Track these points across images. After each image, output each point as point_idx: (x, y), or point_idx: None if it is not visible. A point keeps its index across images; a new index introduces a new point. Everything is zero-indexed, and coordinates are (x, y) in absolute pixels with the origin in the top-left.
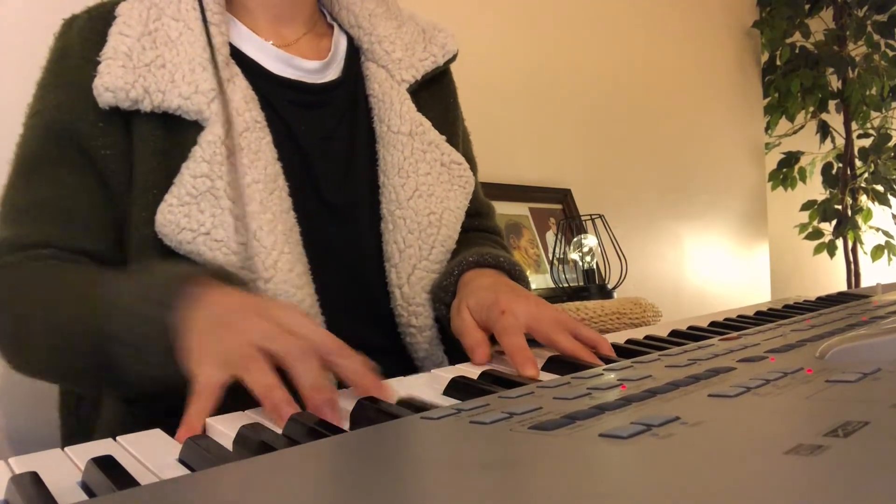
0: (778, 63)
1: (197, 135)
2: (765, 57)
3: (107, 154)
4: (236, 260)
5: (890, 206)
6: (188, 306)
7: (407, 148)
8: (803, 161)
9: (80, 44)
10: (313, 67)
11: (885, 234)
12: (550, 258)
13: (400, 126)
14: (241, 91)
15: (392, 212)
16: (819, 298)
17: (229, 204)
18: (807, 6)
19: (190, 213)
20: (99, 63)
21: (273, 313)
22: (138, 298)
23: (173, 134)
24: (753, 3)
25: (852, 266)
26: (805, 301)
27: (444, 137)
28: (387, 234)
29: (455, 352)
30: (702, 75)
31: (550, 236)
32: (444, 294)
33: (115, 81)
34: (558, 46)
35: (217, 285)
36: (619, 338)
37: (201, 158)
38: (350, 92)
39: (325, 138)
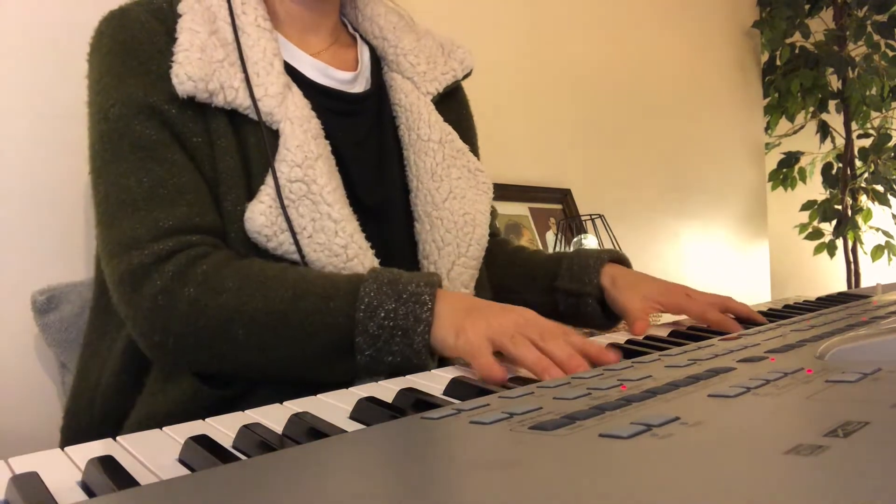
0: (778, 63)
1: (256, 135)
2: (765, 57)
3: (197, 142)
4: (338, 262)
5: (890, 206)
6: (436, 302)
7: (438, 154)
8: (803, 161)
9: (148, 37)
10: (347, 78)
11: (885, 234)
12: None
13: (430, 134)
14: (299, 97)
15: (429, 213)
16: (819, 298)
17: (327, 208)
18: (807, 6)
19: (290, 215)
20: (172, 55)
21: (508, 309)
22: (394, 297)
23: (239, 132)
24: (753, 3)
25: (852, 266)
26: (805, 301)
27: (467, 147)
28: (424, 233)
29: None
30: (702, 75)
31: (550, 236)
32: (586, 278)
33: (196, 71)
34: (558, 46)
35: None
36: (620, 338)
37: (293, 162)
38: (377, 102)
39: (357, 144)
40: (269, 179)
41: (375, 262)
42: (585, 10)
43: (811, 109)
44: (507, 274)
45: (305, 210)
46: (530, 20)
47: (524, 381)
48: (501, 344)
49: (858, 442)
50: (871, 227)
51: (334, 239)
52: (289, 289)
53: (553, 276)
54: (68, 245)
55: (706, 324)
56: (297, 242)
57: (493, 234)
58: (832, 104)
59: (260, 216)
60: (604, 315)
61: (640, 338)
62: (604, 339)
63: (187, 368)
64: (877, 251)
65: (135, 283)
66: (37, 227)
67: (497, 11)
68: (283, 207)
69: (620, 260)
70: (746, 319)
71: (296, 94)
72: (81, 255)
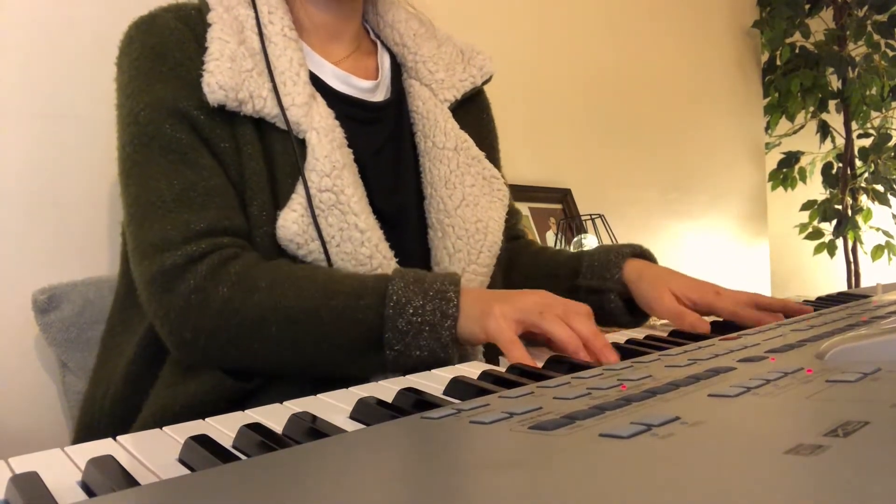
0: (778, 63)
1: (282, 143)
2: (765, 57)
3: (225, 147)
4: (363, 270)
5: (890, 206)
6: (461, 298)
7: (452, 162)
8: (803, 161)
9: (177, 43)
10: (368, 87)
11: (885, 234)
12: None
13: (445, 142)
14: (324, 107)
15: (441, 220)
16: (819, 298)
17: (354, 218)
18: (807, 6)
19: (320, 224)
20: (202, 63)
21: (528, 291)
22: (421, 294)
23: (265, 139)
24: (753, 3)
25: (852, 266)
26: (805, 301)
27: (483, 154)
28: (436, 240)
29: (489, 351)
30: (702, 75)
31: (550, 236)
32: (607, 273)
33: (226, 81)
34: (558, 46)
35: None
36: (620, 338)
37: (322, 172)
38: (396, 109)
39: (376, 153)
40: (300, 188)
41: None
42: (586, 11)
43: (811, 109)
44: (529, 274)
45: (334, 220)
46: (531, 21)
47: (518, 383)
48: (531, 322)
49: (858, 442)
50: (871, 227)
51: (360, 248)
52: (319, 288)
53: (575, 273)
54: (69, 244)
55: (739, 322)
56: (326, 251)
57: (518, 236)
58: (832, 104)
59: (293, 224)
60: (628, 312)
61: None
62: (611, 337)
63: (215, 366)
64: (877, 251)
65: (167, 284)
66: (37, 226)
67: (498, 12)
68: (314, 217)
69: (644, 255)
70: (781, 311)
71: (320, 103)
72: (82, 255)
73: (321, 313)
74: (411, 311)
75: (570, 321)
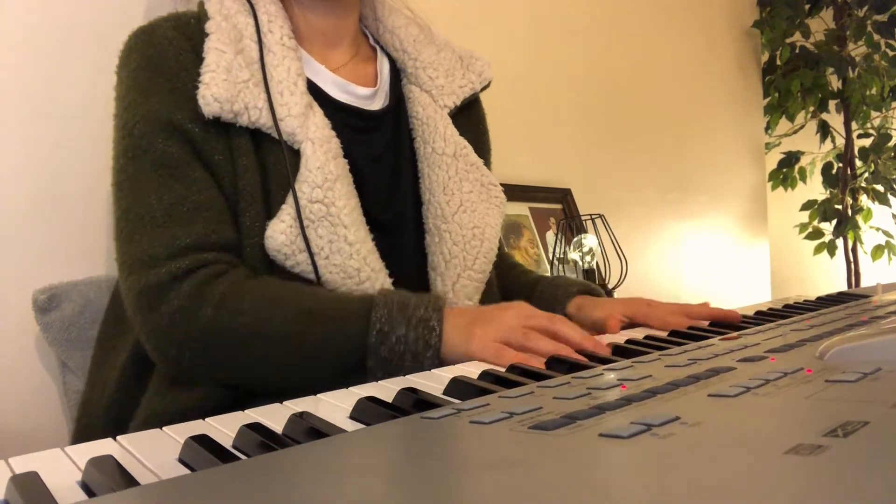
0: (778, 63)
1: (277, 154)
2: (765, 57)
3: (219, 160)
4: (351, 283)
5: (890, 206)
6: (444, 325)
7: (451, 168)
8: (803, 161)
9: (175, 54)
10: (366, 94)
11: (885, 233)
12: (550, 258)
13: (444, 148)
14: (320, 117)
15: (438, 226)
16: (819, 298)
17: (344, 231)
18: (807, 6)
19: (309, 236)
20: (198, 74)
21: (504, 307)
22: (404, 322)
23: (262, 150)
24: (753, 3)
25: (852, 266)
26: (805, 301)
27: (482, 161)
28: (433, 246)
29: None
30: (702, 75)
31: (550, 236)
32: (550, 309)
33: (222, 93)
34: (558, 46)
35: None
36: (619, 338)
37: (314, 184)
38: (395, 116)
39: (373, 161)
40: (290, 199)
41: (388, 283)
42: (586, 11)
43: (811, 109)
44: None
45: (324, 231)
46: (531, 20)
47: (518, 383)
48: (515, 343)
49: (858, 442)
50: (871, 227)
51: (349, 261)
52: (304, 312)
53: (526, 301)
54: (69, 244)
55: (668, 329)
56: (314, 263)
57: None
58: (832, 104)
59: (280, 235)
60: None
61: (617, 332)
62: (605, 339)
63: (201, 381)
64: (877, 251)
65: (152, 301)
66: (37, 226)
67: (498, 11)
68: (303, 228)
69: (591, 292)
70: (708, 319)
71: (317, 113)
72: (82, 254)
73: (305, 338)
74: (394, 339)
75: (555, 328)
